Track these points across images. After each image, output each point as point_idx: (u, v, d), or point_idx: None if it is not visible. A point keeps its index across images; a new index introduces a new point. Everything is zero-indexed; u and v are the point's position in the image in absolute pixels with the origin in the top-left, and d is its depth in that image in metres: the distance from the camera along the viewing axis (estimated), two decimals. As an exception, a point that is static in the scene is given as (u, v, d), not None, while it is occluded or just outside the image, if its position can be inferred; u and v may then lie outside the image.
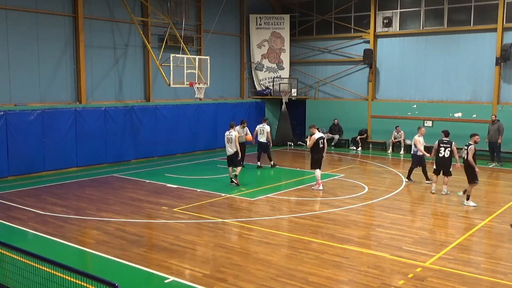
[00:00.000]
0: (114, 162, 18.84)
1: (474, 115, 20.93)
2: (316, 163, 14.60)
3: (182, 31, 20.08)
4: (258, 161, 18.63)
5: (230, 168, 15.18)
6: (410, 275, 8.04)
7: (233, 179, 15.04)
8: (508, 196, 13.70)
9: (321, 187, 14.56)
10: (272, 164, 18.45)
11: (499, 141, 19.13)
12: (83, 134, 17.81)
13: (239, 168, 15.22)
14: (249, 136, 17.86)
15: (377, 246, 9.62)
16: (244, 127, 17.87)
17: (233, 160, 15.05)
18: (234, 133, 14.98)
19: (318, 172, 14.57)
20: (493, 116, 19.42)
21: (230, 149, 14.95)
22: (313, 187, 14.71)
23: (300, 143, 24.76)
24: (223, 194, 13.85)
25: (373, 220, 11.68)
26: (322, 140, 14.63)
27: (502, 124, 19.18)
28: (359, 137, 23.65)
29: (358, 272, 8.22)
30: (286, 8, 26.44)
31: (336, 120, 24.44)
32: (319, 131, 14.92)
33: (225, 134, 15.15)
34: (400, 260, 8.79)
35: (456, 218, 11.63)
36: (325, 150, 14.92)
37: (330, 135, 24.50)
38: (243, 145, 17.97)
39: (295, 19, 25.97)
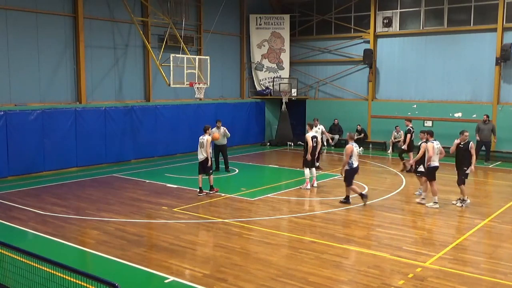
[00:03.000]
0: (114, 162, 18.84)
1: (474, 115, 20.91)
2: (306, 162, 14.70)
3: (182, 31, 20.07)
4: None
5: (200, 176, 13.82)
6: (410, 275, 8.04)
7: (203, 190, 13.77)
8: (508, 196, 13.69)
9: (308, 186, 14.64)
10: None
11: (495, 140, 19.56)
12: (83, 134, 17.81)
13: (211, 177, 13.86)
14: (216, 134, 15.72)
15: (377, 246, 9.62)
16: (219, 127, 17.07)
17: (203, 167, 13.74)
18: (206, 137, 13.63)
19: (306, 171, 14.70)
20: (485, 116, 19.61)
21: (201, 155, 13.67)
22: (301, 187, 14.77)
23: (300, 143, 24.75)
24: (223, 194, 13.84)
25: (373, 220, 11.67)
26: (315, 139, 14.80)
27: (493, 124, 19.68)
28: (356, 136, 23.55)
29: (358, 272, 8.22)
30: (286, 8, 26.44)
31: (336, 120, 24.43)
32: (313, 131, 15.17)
33: (199, 138, 13.85)
34: (400, 260, 8.79)
35: (456, 218, 11.63)
36: (319, 149, 15.29)
37: (330, 135, 24.49)
38: (223, 147, 17.44)
39: (295, 19, 25.98)
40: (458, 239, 10.02)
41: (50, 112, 16.88)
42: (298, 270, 8.25)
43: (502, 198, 13.75)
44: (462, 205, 12.52)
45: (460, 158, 12.66)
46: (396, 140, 22.40)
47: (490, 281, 7.88)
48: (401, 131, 22.24)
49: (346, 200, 12.87)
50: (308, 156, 14.51)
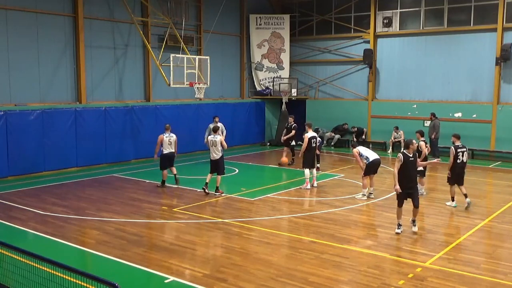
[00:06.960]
0: (114, 162, 18.82)
1: (474, 115, 20.93)
2: (306, 162, 14.70)
3: (182, 31, 20.07)
4: None
5: (210, 175, 13.81)
6: (410, 275, 8.04)
7: (208, 190, 13.72)
8: (508, 196, 13.68)
9: (308, 186, 14.66)
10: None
11: (433, 137, 19.88)
12: (83, 134, 17.80)
13: (219, 178, 13.84)
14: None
15: (377, 246, 9.62)
16: (217, 122, 17.40)
17: (218, 166, 13.72)
18: (219, 137, 13.80)
19: (306, 171, 14.73)
20: (431, 114, 20.52)
21: (214, 154, 13.64)
22: (301, 187, 14.78)
23: (300, 143, 24.73)
24: (223, 194, 13.84)
25: (373, 220, 11.68)
26: (314, 139, 14.81)
27: (438, 121, 20.16)
28: (355, 138, 23.50)
29: (358, 272, 8.22)
30: (286, 8, 26.44)
31: (346, 125, 24.14)
32: (313, 131, 15.21)
33: (209, 138, 13.89)
34: (400, 260, 8.79)
35: (456, 218, 11.63)
36: (319, 149, 15.68)
37: (333, 134, 24.49)
38: None
39: (295, 19, 25.97)
40: (458, 239, 10.02)
41: (50, 112, 16.87)
42: (298, 270, 8.25)
43: (502, 198, 13.76)
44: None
45: (414, 173, 10.65)
46: (395, 140, 22.41)
47: (490, 281, 7.88)
48: (401, 131, 22.28)
49: (162, 184, 14.78)
50: (304, 145, 14.64)
